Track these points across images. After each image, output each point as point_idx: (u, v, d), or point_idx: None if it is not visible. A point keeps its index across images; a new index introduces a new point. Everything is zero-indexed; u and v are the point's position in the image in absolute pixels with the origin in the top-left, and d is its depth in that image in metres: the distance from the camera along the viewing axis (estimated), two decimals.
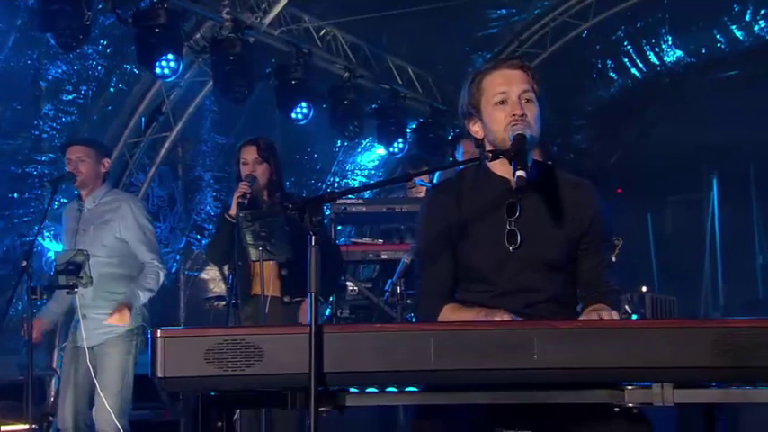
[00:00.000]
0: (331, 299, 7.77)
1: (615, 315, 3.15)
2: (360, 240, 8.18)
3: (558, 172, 3.47)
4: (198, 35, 8.97)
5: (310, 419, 2.72)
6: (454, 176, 3.58)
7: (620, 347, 2.72)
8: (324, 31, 9.86)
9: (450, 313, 3.32)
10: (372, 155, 11.83)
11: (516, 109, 3.27)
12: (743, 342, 2.67)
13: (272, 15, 8.92)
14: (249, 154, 6.06)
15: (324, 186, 11.19)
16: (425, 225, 3.50)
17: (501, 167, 3.36)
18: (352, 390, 2.91)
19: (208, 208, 10.22)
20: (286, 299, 6.01)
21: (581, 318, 3.24)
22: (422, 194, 8.66)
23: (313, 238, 2.82)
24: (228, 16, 8.44)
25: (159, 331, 2.78)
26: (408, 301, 6.93)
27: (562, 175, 3.47)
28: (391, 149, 10.82)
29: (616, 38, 12.64)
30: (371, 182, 11.76)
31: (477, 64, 12.10)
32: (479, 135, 3.42)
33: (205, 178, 10.26)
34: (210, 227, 9.89)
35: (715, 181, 13.82)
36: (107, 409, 5.81)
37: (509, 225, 3.34)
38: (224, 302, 6.35)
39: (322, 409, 2.78)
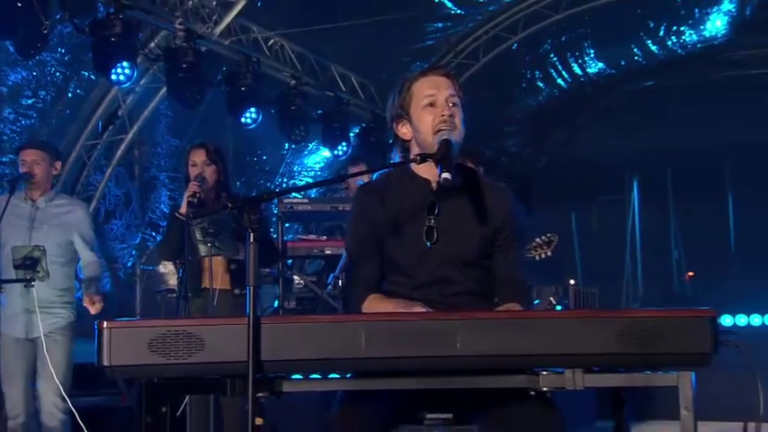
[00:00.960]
0: (277, 291, 7.76)
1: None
2: (306, 237, 8.18)
3: (477, 175, 3.49)
4: (152, 44, 8.92)
5: (248, 405, 2.69)
6: (380, 178, 3.58)
7: (536, 336, 2.72)
8: (271, 41, 9.82)
9: (372, 304, 3.33)
10: (318, 157, 11.79)
11: (444, 110, 3.29)
12: (645, 331, 2.68)
13: (222, 26, 8.89)
14: (198, 156, 6.01)
15: (273, 186, 11.14)
16: (353, 223, 3.50)
17: (424, 169, 3.36)
18: (288, 377, 2.88)
19: (162, 206, 10.12)
20: (236, 291, 5.95)
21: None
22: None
23: (251, 235, 2.80)
24: (181, 27, 8.38)
25: (105, 322, 2.73)
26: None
27: (481, 178, 3.49)
28: (336, 152, 10.81)
29: (543, 50, 12.72)
30: (318, 181, 11.72)
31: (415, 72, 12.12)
32: (407, 137, 3.41)
33: (160, 178, 10.18)
34: (164, 224, 9.82)
35: (635, 183, 13.95)
36: (55, 391, 5.80)
37: (428, 222, 3.34)
38: (175, 295, 6.28)
39: (260, 395, 2.75)
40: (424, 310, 3.08)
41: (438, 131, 3.26)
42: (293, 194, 7.93)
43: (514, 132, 14.24)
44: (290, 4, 9.70)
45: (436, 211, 3.34)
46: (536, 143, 14.80)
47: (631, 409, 3.11)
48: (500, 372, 2.83)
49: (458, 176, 3.25)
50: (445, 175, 3.11)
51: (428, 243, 3.32)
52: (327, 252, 8.00)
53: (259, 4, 9.23)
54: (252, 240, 2.81)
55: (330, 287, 7.19)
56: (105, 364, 2.71)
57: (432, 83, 3.35)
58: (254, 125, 9.27)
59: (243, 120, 9.18)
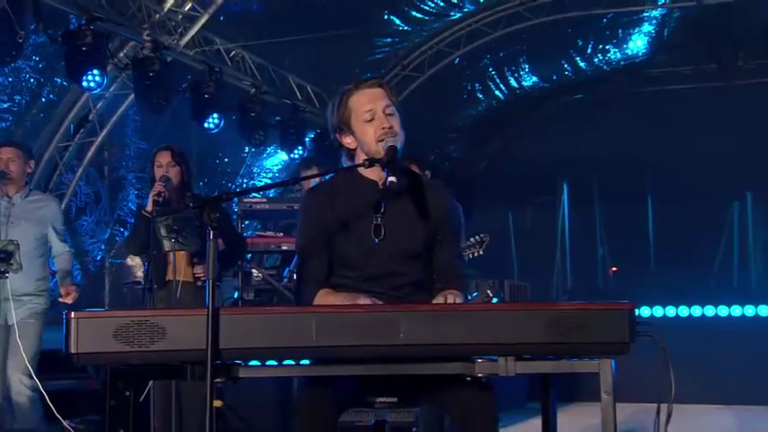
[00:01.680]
0: (236, 283, 7.75)
1: (460, 299, 3.20)
2: (263, 234, 8.15)
3: (419, 177, 3.47)
4: (121, 54, 8.85)
5: (207, 389, 2.66)
6: (328, 180, 3.55)
7: (472, 327, 2.72)
8: (233, 52, 9.76)
9: (322, 298, 3.29)
10: (276, 159, 11.73)
11: (384, 123, 3.26)
12: (570, 322, 2.70)
13: (187, 38, 8.85)
14: (163, 158, 5.95)
15: (233, 186, 11.09)
16: (303, 223, 3.45)
17: (370, 172, 3.35)
18: (244, 363, 2.86)
19: (130, 204, 10.04)
20: (198, 283, 5.87)
21: (434, 300, 3.23)
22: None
23: (211, 232, 2.77)
24: (149, 38, 8.33)
25: (73, 313, 2.69)
26: None
27: (422, 179, 3.48)
28: (292, 155, 10.77)
29: (483, 65, 12.79)
30: (273, 183, 11.68)
31: None
32: (352, 146, 3.38)
33: (128, 178, 10.10)
34: (132, 220, 9.76)
35: (565, 186, 14.07)
36: (22, 370, 5.71)
37: (375, 220, 3.32)
38: (141, 286, 6.24)
39: (218, 380, 2.73)
40: (368, 301, 3.07)
41: (381, 140, 3.25)
42: (253, 194, 7.93)
43: (456, 139, 14.30)
44: (250, 18, 9.66)
45: (382, 210, 3.32)
46: (476, 149, 14.86)
47: (558, 393, 3.13)
48: (440, 359, 2.82)
49: (402, 178, 3.24)
50: (391, 178, 3.12)
51: (376, 239, 3.31)
52: (284, 248, 8.00)
53: (222, 18, 9.20)
54: (212, 237, 2.78)
55: (286, 280, 7.18)
56: (72, 351, 2.68)
57: (368, 97, 3.31)
58: (216, 130, 9.23)
59: (206, 125, 9.12)
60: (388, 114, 3.30)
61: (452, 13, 11.61)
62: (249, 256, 8.04)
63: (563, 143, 13.33)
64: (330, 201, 3.39)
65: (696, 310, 9.74)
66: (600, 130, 12.96)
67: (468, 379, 2.95)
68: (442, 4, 11.19)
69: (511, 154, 14.89)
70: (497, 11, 11.75)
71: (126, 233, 9.73)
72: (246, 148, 10.84)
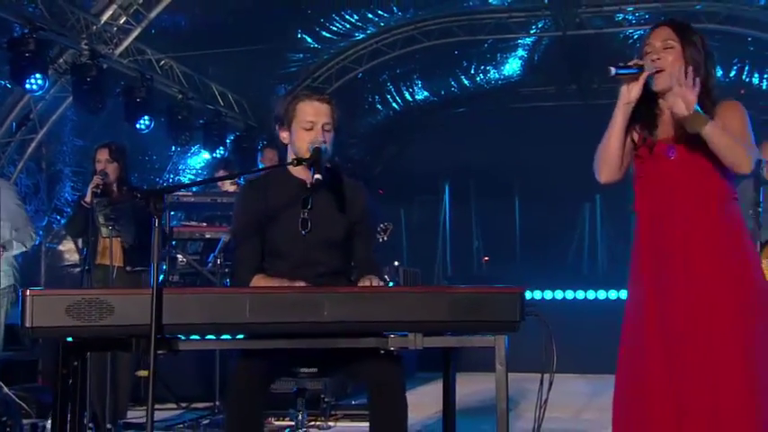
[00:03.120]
0: (164, 267, 7.59)
1: (379, 282, 3.21)
2: (188, 223, 8.03)
3: (341, 176, 3.47)
4: (61, 60, 8.55)
5: (150, 360, 2.63)
6: (262, 176, 3.52)
7: (386, 307, 2.75)
8: (163, 62, 9.55)
9: (257, 283, 3.26)
10: (199, 158, 11.50)
11: (319, 137, 3.26)
12: (471, 303, 2.74)
13: (121, 48, 8.65)
14: (102, 155, 5.85)
15: (161, 182, 10.84)
16: (239, 213, 3.42)
17: (299, 171, 3.34)
18: (183, 337, 2.84)
19: (66, 195, 9.73)
20: (128, 268, 5.78)
21: (357, 284, 3.25)
22: (232, 189, 8.63)
23: (156, 220, 2.73)
24: (87, 47, 8.11)
25: (29, 291, 2.64)
26: (226, 270, 6.84)
27: (344, 178, 3.47)
28: (214, 155, 10.65)
29: (382, 80, 12.83)
30: (198, 179, 11.47)
31: (280, 92, 12.05)
32: (286, 141, 3.37)
33: (64, 172, 9.76)
34: (68, 210, 9.52)
35: (447, 187, 14.23)
36: None
37: (303, 214, 3.31)
38: (78, 269, 6.09)
39: (160, 352, 2.70)
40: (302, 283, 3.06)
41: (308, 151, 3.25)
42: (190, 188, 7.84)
43: (357, 144, 14.26)
44: (178, 32, 9.46)
45: (309, 206, 3.32)
46: (374, 153, 14.88)
47: (456, 363, 3.17)
48: (358, 335, 2.84)
49: (326, 177, 3.25)
50: (317, 176, 3.12)
51: (302, 231, 3.30)
52: (207, 236, 7.91)
53: (153, 31, 9.00)
54: (156, 225, 2.74)
55: (210, 265, 7.07)
56: (28, 325, 2.62)
57: (314, 109, 3.29)
58: (146, 130, 9.02)
59: (138, 126, 8.90)
60: (326, 131, 3.29)
61: (357, 34, 11.63)
62: (174, 242, 7.92)
63: (447, 150, 13.44)
64: (264, 194, 3.36)
65: (558, 294, 10.10)
66: (478, 140, 13.09)
67: (382, 352, 2.99)
68: (348, 26, 11.21)
69: (403, 158, 14.94)
70: (395, 33, 11.80)
71: (62, 220, 9.50)
72: (173, 148, 10.59)
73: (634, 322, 2.96)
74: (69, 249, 9.95)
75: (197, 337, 2.89)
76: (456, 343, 2.86)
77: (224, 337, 2.90)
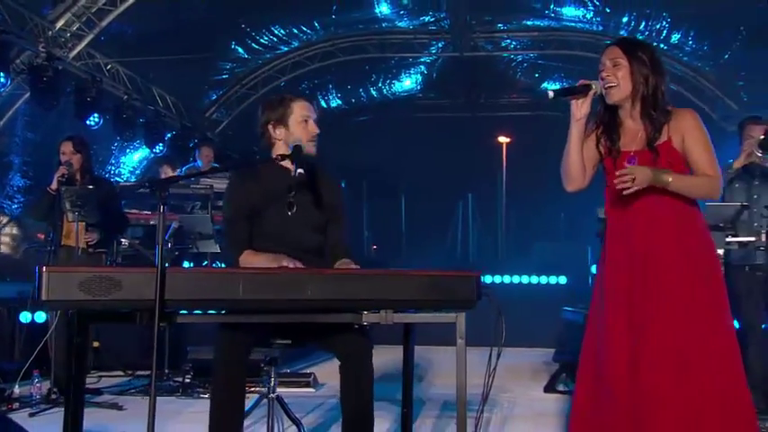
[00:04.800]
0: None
1: (354, 266, 3.21)
2: (131, 211, 7.83)
3: (318, 168, 3.45)
4: (18, 60, 8.16)
5: (154, 331, 2.57)
6: (250, 167, 3.51)
7: (361, 287, 2.74)
8: (110, 65, 9.28)
9: (247, 257, 3.23)
10: (138, 153, 11.19)
11: (314, 129, 3.32)
12: (434, 284, 2.76)
13: (75, 52, 8.40)
14: (66, 147, 5.67)
15: (104, 173, 10.48)
16: (231, 197, 3.38)
17: (285, 163, 3.32)
18: (182, 311, 2.78)
19: (17, 182, 9.32)
20: (90, 250, 5.61)
21: (335, 266, 3.23)
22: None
23: (162, 206, 2.67)
24: (43, 50, 7.82)
25: (45, 267, 2.50)
26: (176, 254, 6.70)
27: (323, 172, 3.45)
28: (154, 151, 10.38)
29: (302, 88, 12.68)
30: (138, 172, 11.15)
31: (212, 98, 11.87)
32: (280, 138, 3.33)
33: (15, 162, 9.34)
34: (19, 197, 9.14)
35: (343, 184, 14.15)
36: None
37: (289, 198, 3.32)
38: (46, 249, 5.88)
39: (162, 324, 2.61)
40: (290, 262, 3.04)
41: (310, 141, 3.29)
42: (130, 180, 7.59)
43: None
44: (125, 40, 9.19)
45: (293, 192, 3.32)
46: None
47: (416, 337, 3.20)
48: (336, 311, 2.83)
49: (308, 169, 3.32)
50: (299, 170, 3.18)
51: (288, 212, 3.30)
52: (152, 222, 7.79)
53: (102, 38, 8.73)
54: (161, 211, 2.68)
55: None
56: (43, 298, 2.49)
57: (306, 107, 3.33)
58: (96, 127, 8.73)
59: (87, 122, 8.60)
60: (316, 123, 3.35)
61: (282, 48, 11.56)
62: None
63: (348, 152, 13.45)
64: (255, 181, 3.34)
65: None
66: (376, 144, 13.08)
67: (356, 326, 3.02)
68: (275, 39, 11.15)
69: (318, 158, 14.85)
70: (315, 48, 11.81)
71: (13, 206, 9.11)
72: (115, 143, 10.27)
73: (598, 308, 2.99)
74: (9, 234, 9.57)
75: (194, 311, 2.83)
76: (421, 319, 2.84)
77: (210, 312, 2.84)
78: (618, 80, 2.89)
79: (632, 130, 2.94)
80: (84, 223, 5.57)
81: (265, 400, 3.41)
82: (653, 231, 2.89)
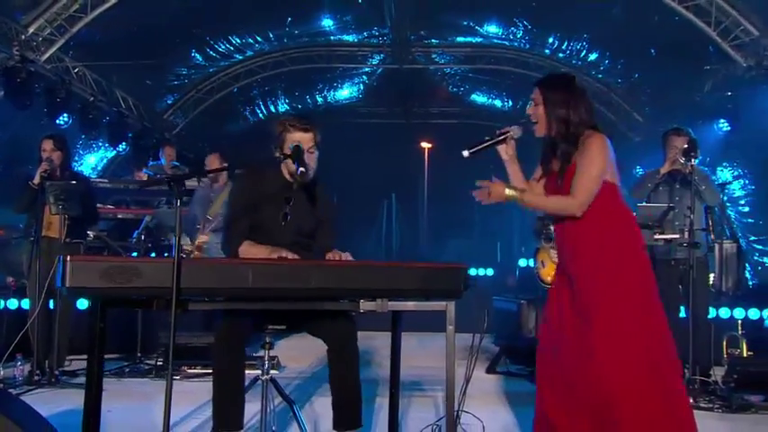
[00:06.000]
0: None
1: (347, 256, 3.20)
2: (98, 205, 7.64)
3: (316, 182, 3.45)
4: None
5: (171, 317, 2.53)
6: (258, 169, 3.46)
7: (359, 277, 2.76)
8: (77, 69, 8.96)
9: (246, 247, 3.22)
10: (101, 153, 10.79)
11: (306, 160, 3.25)
12: (426, 275, 2.80)
13: (46, 56, 8.08)
14: (47, 144, 5.60)
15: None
16: (237, 194, 3.38)
17: (286, 174, 3.35)
18: (194, 299, 2.72)
19: None
20: (67, 240, 5.46)
21: (327, 257, 3.23)
22: (143, 178, 8.27)
23: (179, 200, 2.63)
24: (18, 53, 7.53)
25: (69, 257, 2.44)
26: (149, 245, 6.56)
27: (318, 184, 3.45)
28: (117, 150, 10.15)
29: (253, 94, 12.59)
30: (99, 169, 10.77)
31: (169, 101, 11.59)
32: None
33: None
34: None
35: None
36: None
37: (284, 209, 3.31)
38: (26, 239, 5.69)
39: (177, 311, 2.57)
40: (288, 254, 3.03)
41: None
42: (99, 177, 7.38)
43: (226, 145, 13.86)
44: (92, 46, 8.86)
45: (291, 201, 3.33)
46: (239, 154, 14.54)
47: (403, 324, 3.22)
48: (335, 299, 2.84)
49: (307, 183, 3.32)
50: (301, 168, 3.13)
51: (282, 222, 3.30)
52: (119, 216, 7.62)
53: (71, 43, 8.42)
54: (179, 204, 2.64)
55: (134, 240, 6.75)
56: (67, 285, 2.43)
57: (299, 135, 3.29)
58: (65, 126, 8.47)
59: (57, 121, 8.35)
60: (310, 153, 3.32)
61: (236, 56, 11.39)
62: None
63: None
64: (260, 182, 3.34)
65: None
66: (321, 146, 13.06)
67: (353, 313, 2.99)
68: (231, 48, 10.97)
69: (259, 159, 14.71)
70: (266, 58, 11.66)
71: None
72: (80, 141, 9.91)
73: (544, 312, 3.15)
74: None
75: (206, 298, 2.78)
76: (414, 307, 2.84)
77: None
78: (537, 118, 3.05)
79: (557, 158, 3.09)
80: (65, 217, 5.43)
81: (259, 382, 3.40)
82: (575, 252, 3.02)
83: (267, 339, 3.33)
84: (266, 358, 3.39)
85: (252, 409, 4.09)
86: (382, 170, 12.78)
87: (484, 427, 3.66)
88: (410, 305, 2.87)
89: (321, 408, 4.18)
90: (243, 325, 3.05)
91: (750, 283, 8.62)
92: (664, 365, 2.87)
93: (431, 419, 4.04)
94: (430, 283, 2.82)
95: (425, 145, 13.13)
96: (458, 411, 3.07)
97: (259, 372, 3.37)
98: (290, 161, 3.24)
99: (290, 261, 2.93)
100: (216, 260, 2.97)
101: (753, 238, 9.19)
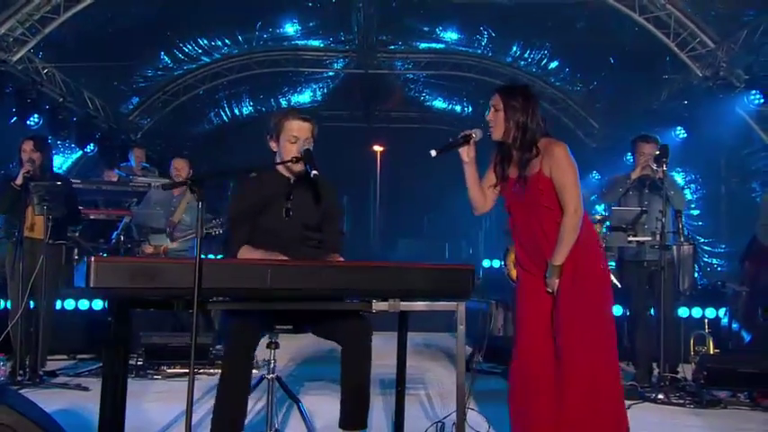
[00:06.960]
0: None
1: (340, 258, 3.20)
2: None
3: (318, 175, 3.37)
4: None
5: (193, 317, 2.53)
6: (254, 174, 3.43)
7: (372, 278, 2.77)
8: (47, 70, 8.79)
9: (244, 251, 3.21)
10: (67, 154, 10.57)
11: (301, 149, 3.27)
12: (437, 276, 2.83)
13: (17, 57, 7.91)
14: (28, 145, 5.51)
15: None
16: (238, 200, 3.33)
17: (283, 170, 3.35)
18: (228, 299, 2.75)
19: None
20: (50, 241, 5.37)
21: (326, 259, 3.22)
22: (114, 179, 8.14)
23: (201, 202, 2.65)
24: None
25: (93, 258, 2.43)
26: (128, 246, 6.47)
27: (319, 177, 3.35)
28: (86, 150, 9.94)
29: (218, 96, 12.51)
30: (63, 169, 10.53)
31: (134, 102, 11.42)
32: (275, 149, 3.34)
33: None
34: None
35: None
36: None
37: (286, 204, 3.31)
38: (10, 239, 5.58)
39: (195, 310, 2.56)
40: (284, 257, 3.03)
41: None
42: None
43: (191, 146, 13.76)
44: (62, 47, 8.70)
45: (291, 198, 3.33)
46: (203, 154, 14.40)
47: (409, 324, 3.18)
48: (347, 298, 2.85)
49: (306, 175, 3.27)
50: (314, 171, 3.13)
51: (286, 217, 3.29)
52: (92, 217, 7.50)
53: (42, 44, 8.26)
54: (200, 206, 2.66)
55: (114, 241, 6.65)
56: (92, 285, 2.42)
57: (298, 126, 3.29)
58: (36, 126, 8.27)
59: (28, 122, 8.16)
60: (306, 142, 3.31)
61: (203, 59, 11.29)
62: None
63: (252, 155, 13.31)
64: (259, 185, 3.33)
65: None
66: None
67: (363, 313, 3.01)
68: (199, 51, 10.88)
69: (222, 159, 14.61)
70: (233, 61, 11.58)
71: None
72: (49, 141, 9.66)
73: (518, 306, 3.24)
74: None
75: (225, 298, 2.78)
76: (426, 307, 2.82)
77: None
78: (496, 123, 3.15)
79: (516, 162, 3.19)
80: (44, 216, 5.35)
81: (265, 381, 3.43)
82: (542, 239, 3.14)
83: (273, 339, 3.37)
84: (272, 358, 3.42)
85: (254, 406, 4.12)
86: (335, 172, 12.73)
87: (489, 425, 3.74)
88: (421, 305, 2.87)
89: (321, 408, 4.21)
90: (253, 327, 3.06)
91: (699, 283, 8.97)
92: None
93: (420, 417, 4.12)
94: (440, 283, 2.84)
95: (377, 148, 13.25)
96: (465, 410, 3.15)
97: (264, 371, 3.41)
98: (285, 167, 3.27)
99: (303, 262, 2.95)
100: (235, 261, 2.97)
101: (702, 240, 9.55)
